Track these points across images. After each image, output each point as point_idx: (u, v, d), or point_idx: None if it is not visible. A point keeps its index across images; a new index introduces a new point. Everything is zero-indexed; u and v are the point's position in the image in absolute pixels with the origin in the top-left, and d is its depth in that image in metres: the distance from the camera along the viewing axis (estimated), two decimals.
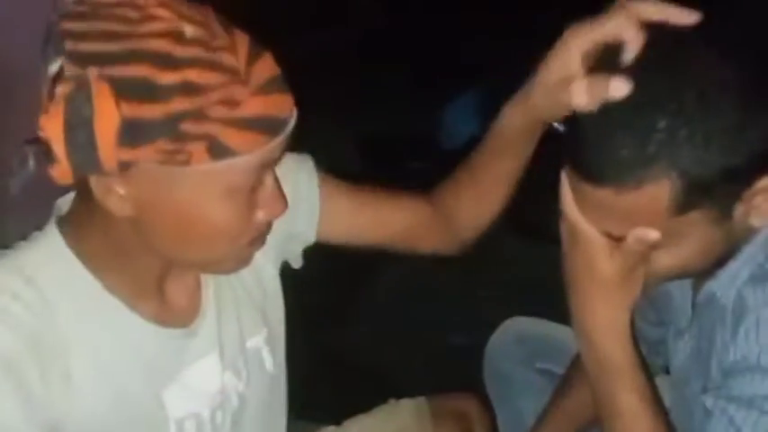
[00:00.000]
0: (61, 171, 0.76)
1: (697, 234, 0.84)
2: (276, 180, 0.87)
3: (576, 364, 1.29)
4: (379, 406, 1.32)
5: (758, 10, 0.83)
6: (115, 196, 0.80)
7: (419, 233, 1.14)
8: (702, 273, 0.94)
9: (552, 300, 1.01)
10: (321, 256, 1.06)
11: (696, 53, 0.79)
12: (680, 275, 0.97)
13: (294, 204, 0.96)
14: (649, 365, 1.19)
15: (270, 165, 0.84)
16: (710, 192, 0.80)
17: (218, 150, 0.78)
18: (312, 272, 1.04)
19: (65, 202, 0.90)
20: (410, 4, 3.14)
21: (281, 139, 0.82)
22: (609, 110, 0.80)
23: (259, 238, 0.90)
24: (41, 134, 0.75)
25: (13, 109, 1.59)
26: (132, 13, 0.77)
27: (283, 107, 0.82)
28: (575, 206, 0.87)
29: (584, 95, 0.82)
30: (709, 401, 0.89)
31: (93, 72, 0.74)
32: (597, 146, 0.81)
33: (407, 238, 1.13)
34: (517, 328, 1.47)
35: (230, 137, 0.77)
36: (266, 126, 0.80)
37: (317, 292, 1.05)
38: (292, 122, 0.83)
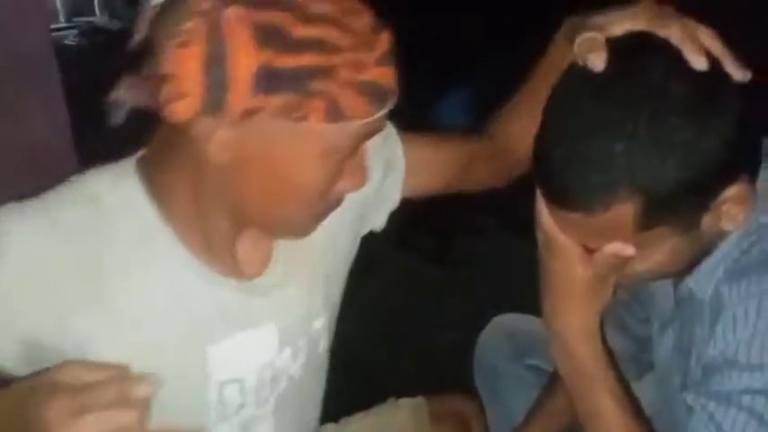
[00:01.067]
0: (185, 107, 0.75)
1: (666, 244, 0.86)
2: (365, 153, 0.87)
3: None
4: (374, 404, 1.33)
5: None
6: (219, 142, 0.78)
7: (476, 169, 1.14)
8: (680, 273, 0.95)
9: None
10: None
11: (641, 72, 0.81)
12: (655, 279, 1.00)
13: (383, 176, 1.02)
14: (638, 361, 1.21)
15: (371, 136, 0.84)
16: (674, 207, 0.82)
17: (334, 112, 0.77)
18: None
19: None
20: (409, 4, 3.13)
21: (386, 112, 0.82)
22: (569, 139, 0.82)
23: (329, 211, 0.90)
24: (166, 69, 0.74)
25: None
26: None
27: (394, 80, 0.82)
28: (551, 218, 0.90)
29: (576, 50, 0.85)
30: (690, 398, 0.91)
31: (233, 12, 0.74)
32: (561, 175, 0.83)
33: (466, 176, 1.13)
34: (507, 325, 1.48)
35: (349, 100, 0.77)
36: (381, 94, 0.80)
37: None
38: (395, 98, 0.83)
